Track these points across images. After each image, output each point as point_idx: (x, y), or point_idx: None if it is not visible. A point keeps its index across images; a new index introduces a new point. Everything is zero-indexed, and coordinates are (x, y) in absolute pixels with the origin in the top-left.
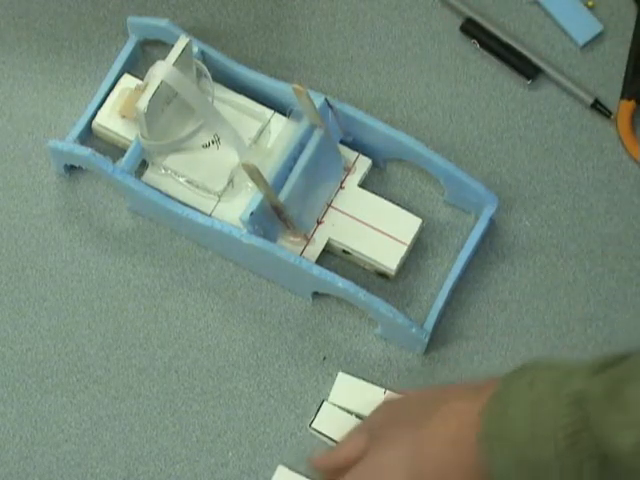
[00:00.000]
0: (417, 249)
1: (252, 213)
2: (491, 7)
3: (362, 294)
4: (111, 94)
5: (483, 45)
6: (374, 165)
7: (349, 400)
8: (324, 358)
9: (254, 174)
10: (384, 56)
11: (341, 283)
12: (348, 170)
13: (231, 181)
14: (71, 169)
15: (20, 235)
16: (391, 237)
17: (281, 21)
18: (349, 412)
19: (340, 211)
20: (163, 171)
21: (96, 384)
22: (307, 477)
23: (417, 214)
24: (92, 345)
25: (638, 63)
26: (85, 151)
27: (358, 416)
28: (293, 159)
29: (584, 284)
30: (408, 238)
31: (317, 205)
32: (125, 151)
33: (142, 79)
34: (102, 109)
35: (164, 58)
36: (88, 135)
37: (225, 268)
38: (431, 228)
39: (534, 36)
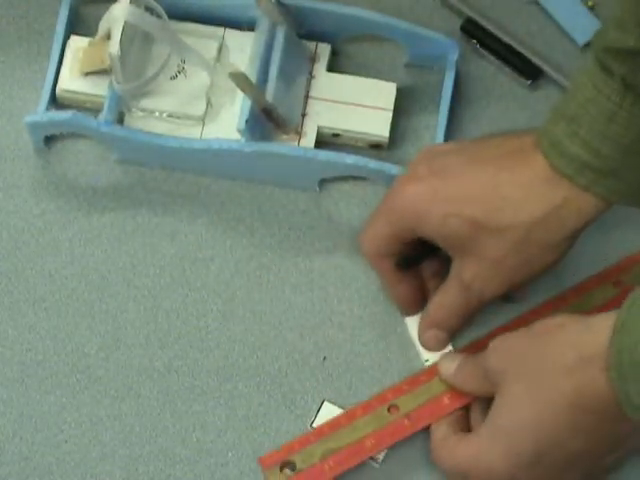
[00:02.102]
0: (397, 115)
1: (247, 120)
2: (491, 7)
3: (372, 163)
4: (65, 58)
5: (483, 45)
6: (332, 49)
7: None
8: (324, 358)
9: (242, 80)
10: None
11: (349, 159)
12: (312, 59)
13: (209, 102)
14: (50, 146)
15: (20, 235)
16: (374, 108)
17: None
18: None
19: (319, 99)
20: (141, 114)
21: (96, 384)
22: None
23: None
24: (92, 345)
25: None
26: (66, 114)
27: None
28: (265, 62)
29: None
30: (390, 104)
31: (298, 99)
32: (95, 110)
33: (89, 36)
34: (62, 74)
35: (106, 8)
36: (54, 107)
37: (225, 268)
38: (401, 92)
39: (534, 36)
